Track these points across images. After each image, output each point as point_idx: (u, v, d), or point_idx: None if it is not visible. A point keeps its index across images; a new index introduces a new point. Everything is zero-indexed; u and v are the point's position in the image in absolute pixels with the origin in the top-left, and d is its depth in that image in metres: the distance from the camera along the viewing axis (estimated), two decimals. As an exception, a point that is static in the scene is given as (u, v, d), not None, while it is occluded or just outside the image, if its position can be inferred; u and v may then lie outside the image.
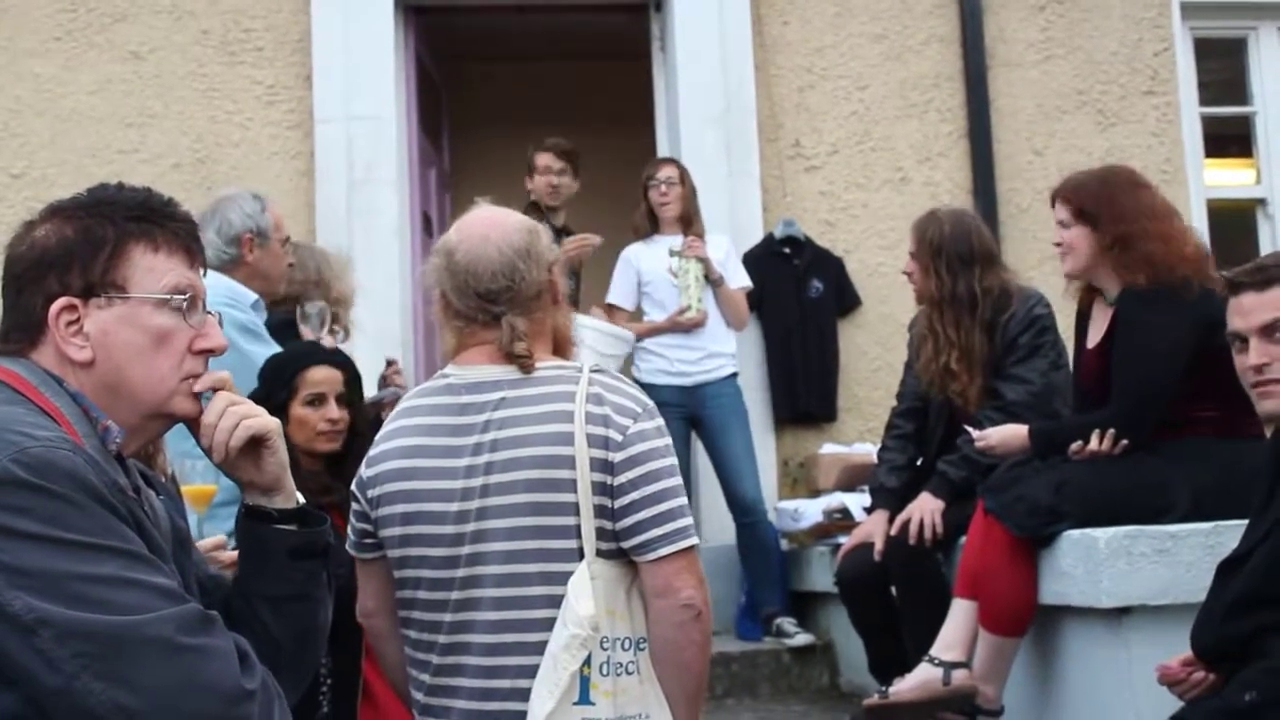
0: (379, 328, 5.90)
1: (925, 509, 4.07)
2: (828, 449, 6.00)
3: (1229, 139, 7.17)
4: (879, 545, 4.19)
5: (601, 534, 2.36)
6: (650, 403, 2.48)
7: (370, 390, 4.20)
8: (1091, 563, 3.40)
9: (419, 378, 5.85)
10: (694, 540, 2.40)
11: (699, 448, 5.71)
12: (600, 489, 2.36)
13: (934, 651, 3.67)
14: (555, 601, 2.34)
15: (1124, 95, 6.59)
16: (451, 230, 2.58)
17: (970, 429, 3.94)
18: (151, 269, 1.82)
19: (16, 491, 1.56)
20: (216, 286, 3.63)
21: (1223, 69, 7.10)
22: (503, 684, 2.36)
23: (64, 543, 1.56)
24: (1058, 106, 6.56)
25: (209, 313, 1.90)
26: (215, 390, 1.88)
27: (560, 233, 5.57)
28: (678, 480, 2.42)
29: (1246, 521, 2.74)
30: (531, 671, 2.32)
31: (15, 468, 1.56)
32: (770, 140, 6.38)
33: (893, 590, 4.16)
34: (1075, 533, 3.50)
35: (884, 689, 3.74)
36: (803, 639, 5.29)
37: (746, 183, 6.30)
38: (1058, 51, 6.60)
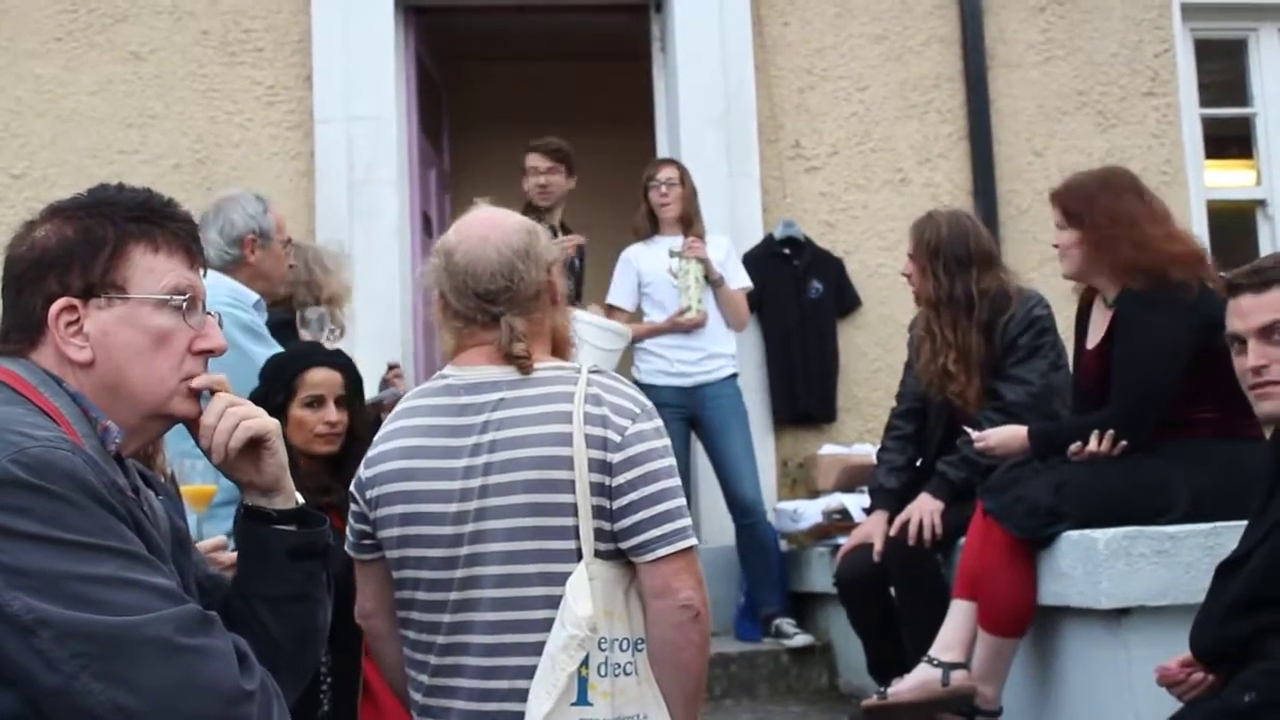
0: (379, 328, 5.92)
1: (924, 510, 4.07)
2: (827, 450, 6.00)
3: (1229, 140, 7.17)
4: (878, 546, 4.19)
5: (600, 535, 2.36)
6: (649, 403, 2.49)
7: (371, 392, 4.21)
8: (1091, 564, 3.40)
9: (419, 378, 5.85)
10: (692, 541, 2.40)
11: (698, 448, 5.71)
12: (599, 490, 2.36)
13: (933, 652, 3.67)
14: (554, 602, 2.34)
15: (1124, 96, 6.59)
16: (450, 231, 2.58)
17: (969, 430, 3.94)
18: (151, 269, 1.82)
19: (16, 492, 1.56)
20: (218, 287, 3.65)
21: (1223, 70, 7.11)
22: (501, 685, 2.36)
23: (63, 543, 1.56)
24: (1058, 107, 6.56)
25: (208, 313, 1.90)
26: (214, 391, 1.88)
27: (556, 232, 5.59)
28: (676, 481, 2.42)
29: (1245, 523, 2.74)
30: (530, 672, 2.32)
31: (14, 468, 1.56)
32: (770, 141, 6.38)
33: (892, 591, 4.17)
34: (1074, 534, 3.50)
35: (883, 690, 3.75)
36: (802, 640, 5.29)
37: (746, 183, 6.31)
38: (1058, 52, 6.60)
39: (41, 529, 1.56)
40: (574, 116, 8.06)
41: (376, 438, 2.55)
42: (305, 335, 4.35)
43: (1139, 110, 6.59)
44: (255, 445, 1.90)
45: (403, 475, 2.45)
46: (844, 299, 6.31)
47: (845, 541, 4.50)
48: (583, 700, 2.31)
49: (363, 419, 3.46)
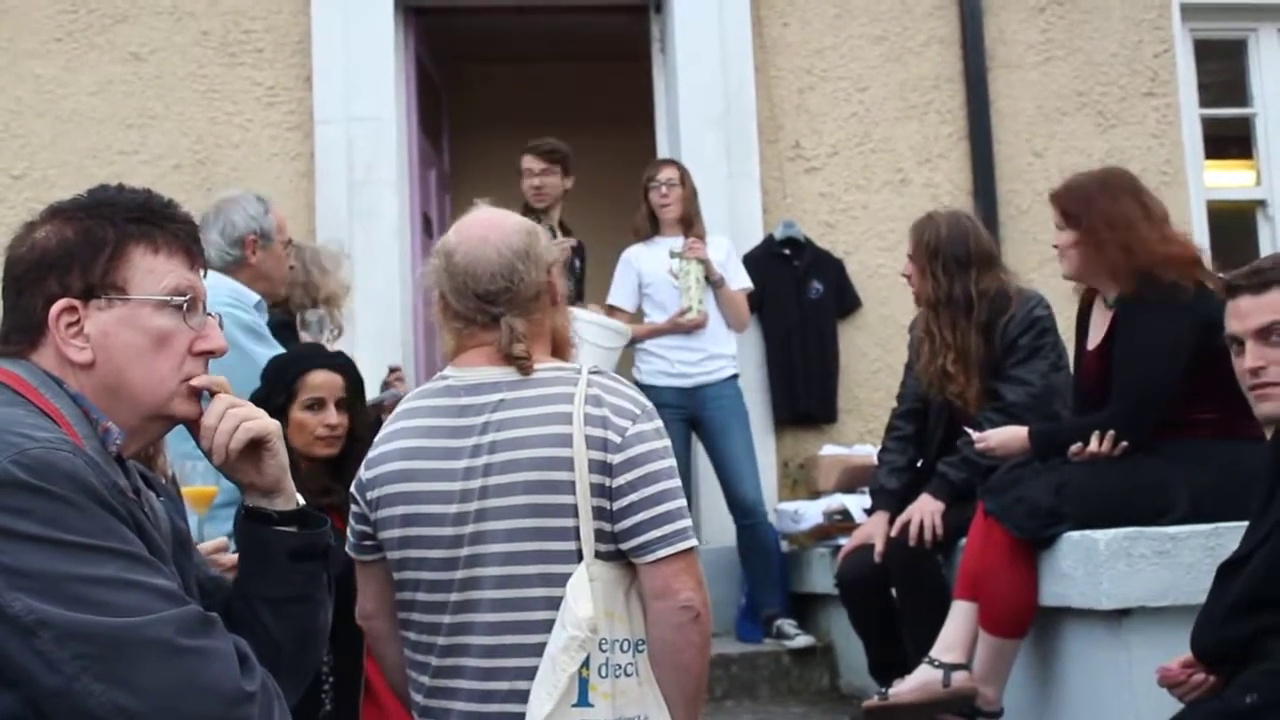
0: (379, 328, 5.93)
1: (925, 510, 4.07)
2: (828, 450, 6.00)
3: (1229, 140, 7.17)
4: (879, 547, 4.19)
5: (600, 535, 2.36)
6: (649, 404, 2.48)
7: (372, 393, 4.21)
8: (1091, 564, 3.40)
9: (419, 379, 5.85)
10: (693, 542, 2.40)
11: (699, 449, 5.71)
12: (599, 490, 2.36)
13: (934, 653, 3.67)
14: (554, 603, 2.34)
15: (1124, 97, 6.59)
16: (450, 232, 2.58)
17: (970, 430, 3.94)
18: (151, 270, 1.82)
19: (16, 493, 1.56)
20: (219, 287, 3.65)
21: (1223, 70, 7.11)
22: (501, 686, 2.36)
23: (64, 544, 1.56)
24: (1058, 108, 6.56)
25: (209, 314, 1.90)
26: (214, 392, 1.88)
27: (556, 233, 5.59)
28: (676, 482, 2.42)
29: (1246, 523, 2.74)
30: (530, 673, 2.32)
31: (15, 469, 1.56)
32: (770, 142, 6.38)
33: (893, 592, 4.16)
34: (1075, 534, 3.50)
35: (884, 690, 3.75)
36: (803, 640, 5.29)
37: (746, 184, 6.31)
38: (1058, 53, 6.60)
39: (42, 530, 1.56)
40: (574, 117, 8.06)
41: (377, 439, 2.55)
42: (305, 337, 4.35)
43: (1139, 110, 6.59)
44: (256, 446, 1.90)
45: (403, 476, 2.45)
46: (844, 299, 6.32)
47: (846, 542, 4.50)
48: (583, 701, 2.31)
49: (363, 420, 3.46)
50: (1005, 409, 4.06)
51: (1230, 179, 7.34)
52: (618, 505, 2.36)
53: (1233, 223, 6.93)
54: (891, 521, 4.18)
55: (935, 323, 4.19)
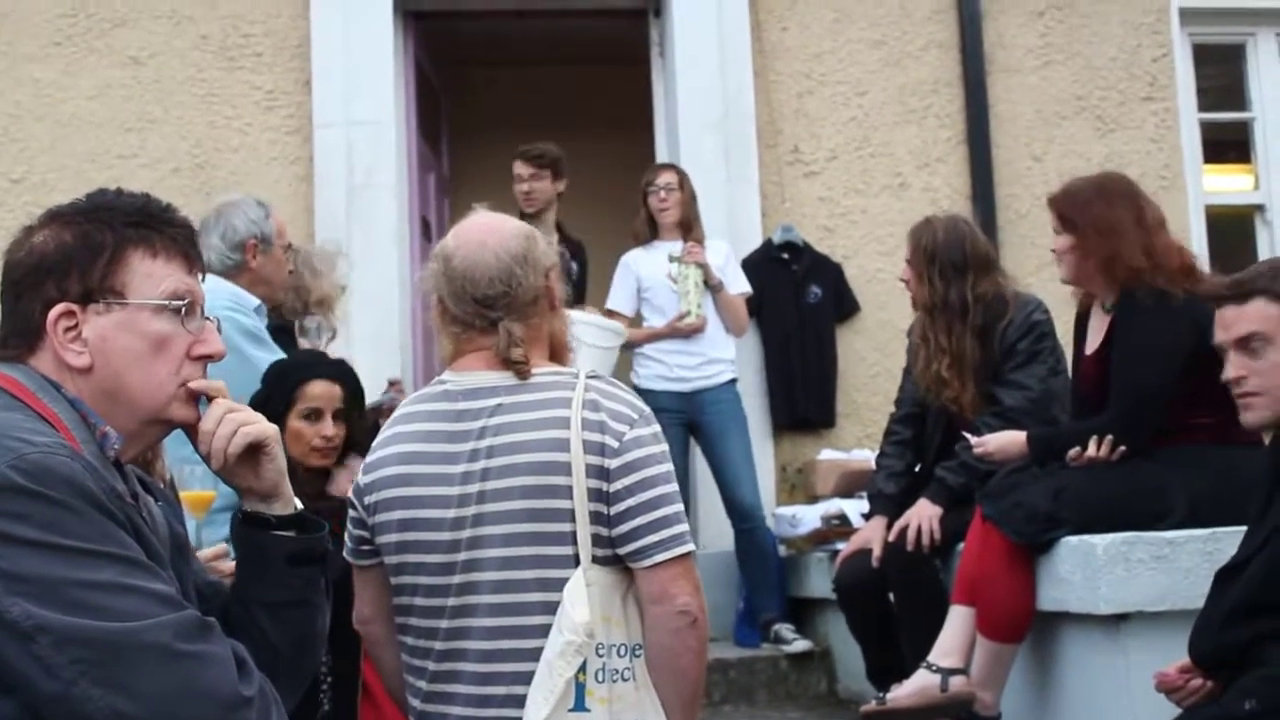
0: (377, 332, 5.93)
1: (923, 515, 4.07)
2: (826, 455, 6.00)
3: (1227, 145, 7.18)
4: (877, 551, 4.19)
5: (597, 540, 2.36)
6: (646, 409, 2.48)
7: (371, 398, 4.20)
8: (1089, 569, 3.40)
9: (418, 383, 5.85)
10: (690, 547, 2.40)
11: (697, 454, 5.71)
12: (596, 495, 2.36)
13: (932, 658, 3.67)
14: (551, 608, 2.34)
15: (1123, 101, 6.60)
16: (449, 236, 2.58)
17: (968, 435, 3.95)
18: (150, 275, 1.82)
19: (14, 498, 1.56)
20: (220, 291, 3.65)
21: (1221, 75, 7.11)
22: (498, 690, 2.36)
23: (62, 549, 1.56)
24: (1057, 112, 6.57)
25: (207, 318, 1.90)
26: (212, 397, 1.88)
27: (559, 232, 5.61)
28: (674, 487, 2.42)
29: (1244, 528, 2.74)
30: (527, 678, 2.32)
31: (13, 474, 1.56)
32: (769, 146, 6.39)
33: (891, 597, 4.16)
34: (1073, 539, 3.50)
35: (882, 695, 3.75)
36: (801, 645, 5.29)
37: (745, 188, 6.31)
38: (1056, 57, 6.61)
39: (40, 535, 1.56)
40: (573, 121, 8.07)
41: (375, 444, 2.55)
42: (304, 343, 4.35)
43: (1137, 115, 6.60)
44: (254, 451, 1.90)
45: (400, 481, 2.45)
46: (843, 304, 6.32)
47: (844, 547, 4.50)
48: (580, 706, 2.31)
49: (361, 428, 3.45)
50: (1003, 413, 4.07)
51: (1228, 184, 7.34)
52: (615, 510, 2.37)
53: (1231, 227, 6.93)
54: (889, 526, 4.18)
55: (931, 328, 4.20)
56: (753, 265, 6.06)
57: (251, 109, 6.16)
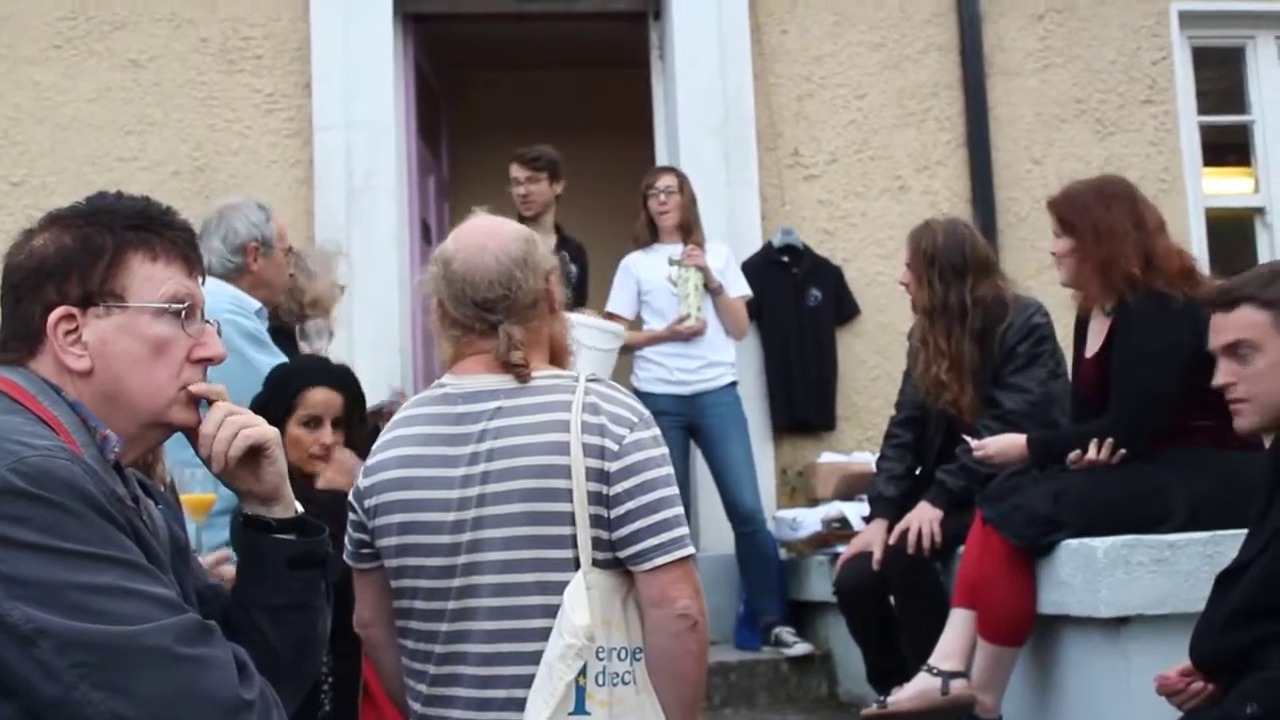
0: (378, 336, 5.93)
1: (924, 518, 4.07)
2: (826, 458, 6.00)
3: (1227, 148, 7.18)
4: (877, 554, 4.19)
5: (597, 544, 2.36)
6: (646, 412, 2.48)
7: (371, 403, 4.20)
8: (1090, 572, 3.40)
9: (418, 387, 5.85)
10: (690, 550, 2.40)
11: (698, 457, 5.71)
12: (596, 499, 2.36)
13: (932, 661, 3.67)
14: (551, 611, 2.33)
15: (1122, 104, 6.60)
16: (449, 239, 2.58)
17: (968, 438, 3.95)
18: (150, 278, 1.82)
19: (15, 501, 1.56)
20: (221, 294, 3.65)
21: (1221, 78, 7.11)
22: (498, 694, 2.36)
23: (62, 552, 1.56)
24: (1056, 115, 6.57)
25: (207, 321, 1.90)
26: (212, 400, 1.88)
27: (559, 233, 5.62)
28: (674, 490, 2.42)
29: (1245, 531, 2.74)
30: (527, 681, 2.32)
31: (14, 477, 1.56)
32: (769, 149, 6.39)
33: (891, 600, 4.16)
34: (1074, 542, 3.50)
35: (882, 699, 3.75)
36: (801, 648, 5.29)
37: (745, 191, 6.31)
38: (1056, 60, 6.61)
39: (41, 538, 1.55)
40: (573, 124, 8.07)
41: (375, 447, 2.55)
42: (304, 347, 4.34)
43: (1137, 118, 6.60)
44: (255, 454, 1.90)
45: (400, 484, 2.45)
46: (843, 307, 6.32)
47: (844, 550, 4.50)
48: (580, 709, 2.31)
49: (360, 435, 3.44)
50: (1003, 416, 4.07)
51: (1228, 186, 7.34)
52: (615, 513, 2.36)
53: (1231, 230, 6.93)
54: (890, 529, 4.18)
55: (930, 331, 4.20)
56: (753, 268, 6.06)
57: (251, 112, 6.17)
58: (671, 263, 5.57)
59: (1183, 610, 3.21)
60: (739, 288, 5.78)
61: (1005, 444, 3.84)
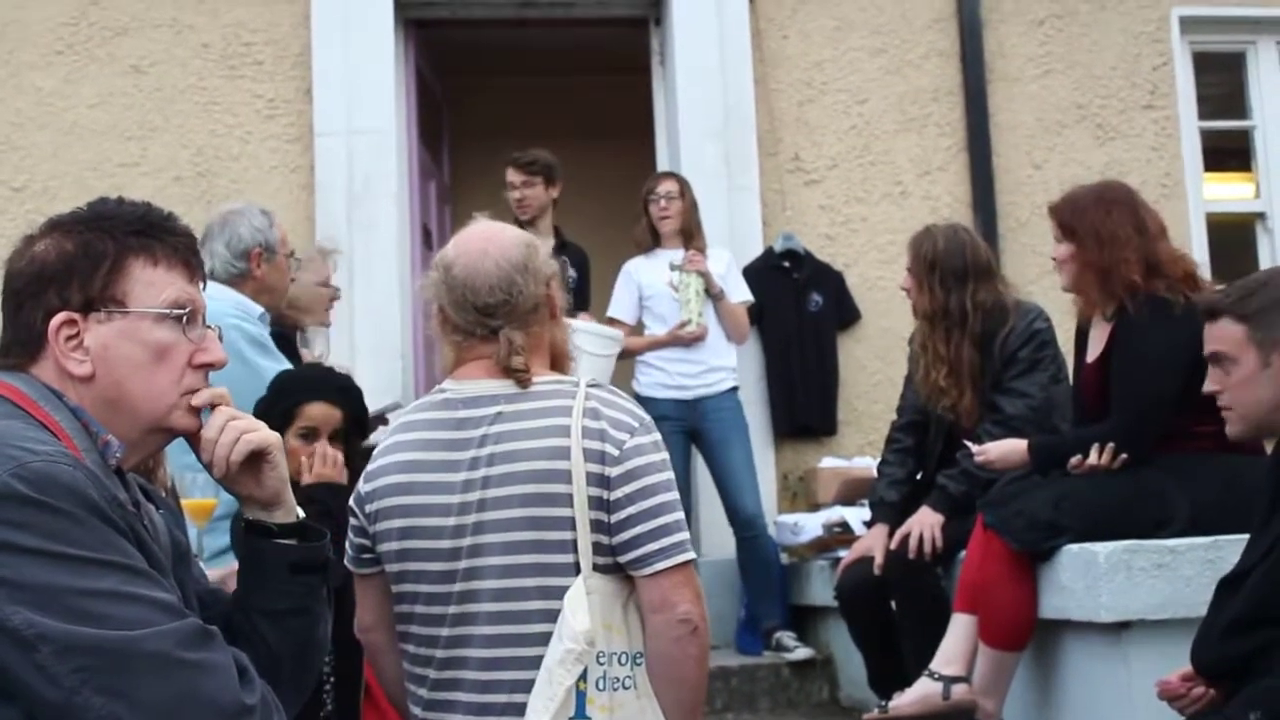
0: (378, 341, 5.93)
1: (925, 523, 4.07)
2: (827, 463, 5.99)
3: (1228, 153, 7.18)
4: (879, 559, 4.19)
5: (598, 548, 2.37)
6: (647, 417, 2.49)
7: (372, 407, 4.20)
8: (1091, 577, 3.40)
9: (419, 392, 5.85)
10: (691, 555, 2.40)
11: (699, 462, 5.71)
12: (597, 503, 2.36)
13: (934, 666, 3.66)
14: (552, 616, 2.34)
15: (1123, 109, 6.60)
16: (449, 245, 2.58)
17: (969, 443, 3.95)
18: (151, 283, 1.82)
19: (16, 506, 1.56)
20: (224, 300, 3.65)
21: (1222, 83, 7.12)
22: (499, 699, 2.36)
23: (64, 558, 1.57)
24: (1057, 120, 6.57)
25: (208, 327, 1.90)
26: (214, 405, 1.88)
27: (559, 236, 5.61)
28: (674, 495, 2.42)
29: (1246, 537, 2.74)
30: (527, 686, 2.32)
31: (15, 482, 1.57)
32: (770, 154, 6.39)
33: (892, 604, 4.16)
34: (1075, 547, 3.50)
35: (884, 703, 3.75)
36: (802, 653, 5.29)
37: (746, 196, 6.31)
38: (1057, 66, 6.61)
39: (42, 544, 1.56)
40: (574, 129, 8.08)
41: (375, 452, 2.56)
42: (305, 353, 4.34)
43: (1138, 123, 6.61)
44: (256, 459, 1.90)
45: (401, 489, 2.45)
46: (844, 312, 6.32)
47: (846, 555, 4.50)
48: (581, 714, 2.31)
49: (356, 451, 3.42)
50: (1005, 421, 4.07)
51: (1229, 191, 7.35)
52: (615, 518, 2.37)
53: (1232, 235, 6.93)
54: (891, 534, 4.18)
55: (931, 336, 4.21)
56: (754, 273, 6.06)
57: (253, 117, 6.17)
58: (673, 268, 5.57)
59: (1184, 616, 3.21)
60: (740, 293, 5.79)
61: (1006, 449, 3.84)
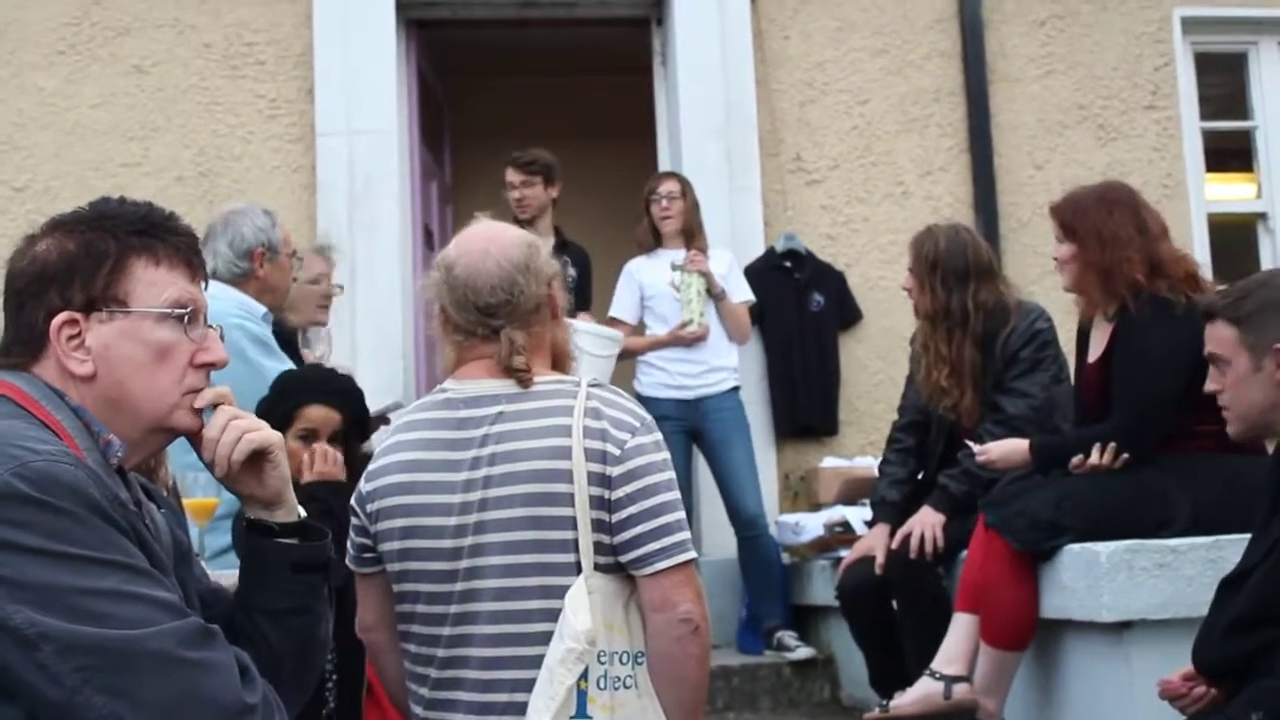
0: (379, 341, 5.93)
1: (926, 523, 4.07)
2: (828, 462, 6.00)
3: (1230, 153, 7.18)
4: (880, 559, 4.19)
5: (599, 548, 2.37)
6: (648, 417, 2.49)
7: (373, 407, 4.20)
8: (1092, 577, 3.40)
9: (420, 392, 5.85)
10: (692, 554, 2.40)
11: (700, 461, 5.71)
12: (598, 503, 2.36)
13: (935, 665, 3.66)
14: (553, 615, 2.34)
15: (1125, 110, 6.60)
16: (451, 245, 2.58)
17: (971, 443, 3.95)
18: (153, 283, 1.82)
19: (18, 506, 1.56)
20: (227, 299, 3.66)
21: (1223, 84, 7.12)
22: (500, 698, 2.36)
23: (66, 557, 1.57)
24: (1059, 121, 6.57)
25: (210, 326, 1.90)
26: (216, 404, 1.88)
27: (559, 236, 5.61)
28: (676, 494, 2.42)
29: (1248, 537, 2.74)
30: (529, 685, 2.32)
31: (17, 482, 1.57)
32: (771, 154, 6.39)
33: (894, 604, 4.16)
34: (1076, 547, 3.50)
35: (885, 703, 3.75)
36: (804, 652, 5.29)
37: (747, 196, 6.31)
38: (1058, 66, 6.61)
39: (44, 543, 1.56)
40: (575, 129, 8.08)
41: (377, 451, 2.56)
42: (306, 353, 4.34)
43: (1139, 124, 6.60)
44: (258, 458, 1.90)
45: (403, 489, 2.45)
46: (845, 312, 6.32)
47: (847, 554, 4.50)
48: (582, 713, 2.31)
49: (355, 454, 3.42)
50: (1006, 421, 4.07)
51: (1231, 192, 7.35)
52: (617, 518, 2.37)
53: (1233, 236, 6.93)
54: (892, 534, 4.18)
55: (932, 336, 4.21)
56: (755, 273, 6.06)
57: (254, 117, 6.17)
58: (674, 268, 5.57)
59: (1185, 615, 3.21)
60: (741, 293, 5.79)
61: (1008, 449, 3.84)
